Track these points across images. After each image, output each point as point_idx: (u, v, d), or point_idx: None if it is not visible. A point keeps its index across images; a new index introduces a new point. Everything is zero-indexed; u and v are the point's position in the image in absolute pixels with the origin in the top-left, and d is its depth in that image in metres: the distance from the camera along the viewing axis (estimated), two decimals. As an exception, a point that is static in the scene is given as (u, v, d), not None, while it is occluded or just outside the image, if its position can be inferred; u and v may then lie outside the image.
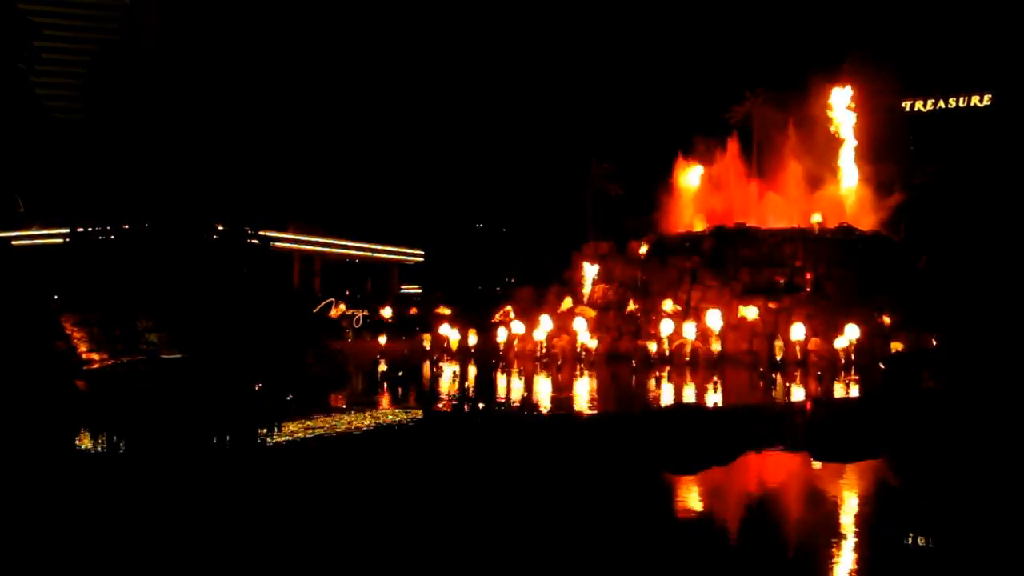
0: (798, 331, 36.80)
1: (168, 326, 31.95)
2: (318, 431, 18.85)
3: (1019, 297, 30.77)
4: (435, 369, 34.28)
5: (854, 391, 26.07)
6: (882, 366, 30.69)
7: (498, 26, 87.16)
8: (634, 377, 32.23)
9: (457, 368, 34.52)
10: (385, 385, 29.36)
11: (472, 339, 40.70)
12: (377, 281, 69.97)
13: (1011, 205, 50.47)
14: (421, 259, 73.34)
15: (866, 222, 49.25)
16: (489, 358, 37.66)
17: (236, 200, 37.52)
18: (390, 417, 21.87)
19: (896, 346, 34.45)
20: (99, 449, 16.50)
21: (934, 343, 32.89)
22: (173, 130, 35.59)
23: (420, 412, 22.98)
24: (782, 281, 43.02)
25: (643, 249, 49.82)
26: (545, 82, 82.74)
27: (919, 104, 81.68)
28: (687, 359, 37.71)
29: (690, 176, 55.31)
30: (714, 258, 45.17)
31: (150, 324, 31.53)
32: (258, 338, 33.18)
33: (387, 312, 44.09)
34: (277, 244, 51.10)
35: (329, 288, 60.56)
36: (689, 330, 38.72)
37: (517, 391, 28.23)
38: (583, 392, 28.28)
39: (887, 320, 38.15)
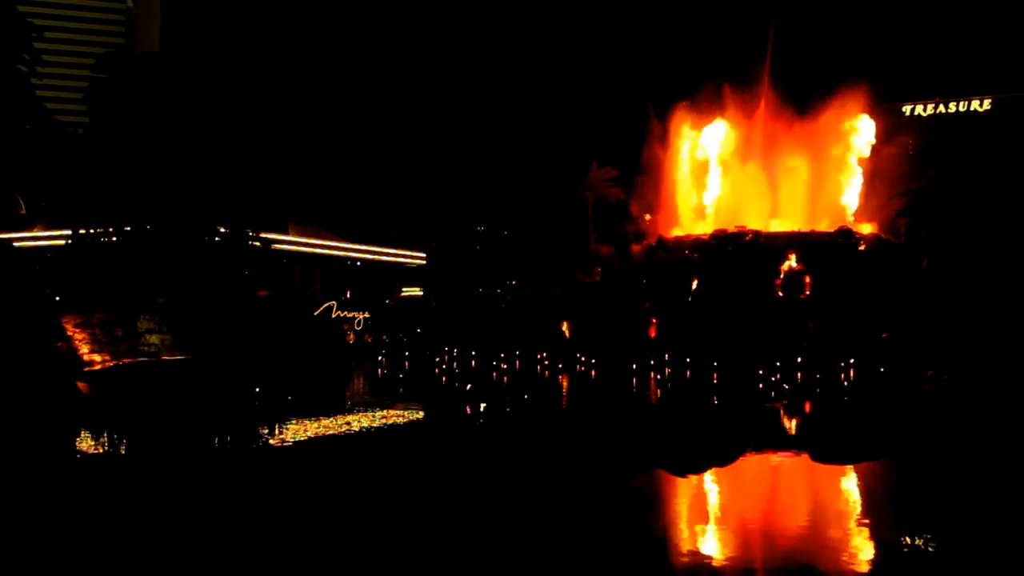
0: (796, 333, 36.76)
1: (170, 328, 32.12)
2: (320, 431, 18.89)
3: (1018, 299, 30.83)
4: None
5: (854, 393, 26.05)
6: (882, 368, 30.70)
7: (501, 29, 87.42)
8: (635, 379, 32.31)
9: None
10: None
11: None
12: (379, 283, 69.92)
13: (1010, 208, 50.52)
14: (423, 261, 73.21)
15: (866, 225, 49.23)
16: None
17: (238, 202, 37.60)
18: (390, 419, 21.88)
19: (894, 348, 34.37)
20: (101, 449, 16.54)
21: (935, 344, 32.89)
22: (175, 132, 35.68)
23: (420, 413, 23.04)
24: (782, 283, 42.97)
25: (644, 252, 49.79)
26: (547, 86, 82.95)
27: (919, 108, 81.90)
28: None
29: (691, 179, 55.17)
30: (715, 260, 45.13)
31: (152, 325, 31.73)
32: (258, 339, 33.31)
33: None
34: (279, 246, 51.10)
35: (331, 290, 60.55)
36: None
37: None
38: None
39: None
